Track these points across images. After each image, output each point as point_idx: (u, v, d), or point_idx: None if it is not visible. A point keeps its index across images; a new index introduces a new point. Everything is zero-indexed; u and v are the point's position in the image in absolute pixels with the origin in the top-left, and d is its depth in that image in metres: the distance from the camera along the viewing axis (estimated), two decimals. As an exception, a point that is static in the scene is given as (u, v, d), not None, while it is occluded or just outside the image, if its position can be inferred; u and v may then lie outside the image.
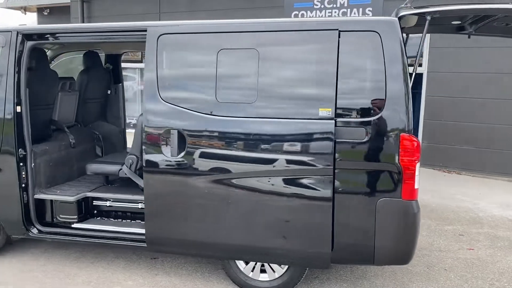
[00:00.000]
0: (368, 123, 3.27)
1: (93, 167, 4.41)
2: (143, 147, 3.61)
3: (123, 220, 4.28)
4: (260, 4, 9.80)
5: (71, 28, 3.98)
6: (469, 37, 4.39)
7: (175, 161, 3.54)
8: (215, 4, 10.36)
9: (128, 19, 11.35)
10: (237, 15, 9.22)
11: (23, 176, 4.08)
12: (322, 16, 8.82)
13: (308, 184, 3.32)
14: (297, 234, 3.39)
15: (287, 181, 3.36)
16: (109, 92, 5.56)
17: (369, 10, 8.70)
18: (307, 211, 3.34)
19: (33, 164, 4.15)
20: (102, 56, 5.57)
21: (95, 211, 4.35)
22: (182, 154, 3.52)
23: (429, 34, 7.73)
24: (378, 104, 3.26)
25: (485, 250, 4.77)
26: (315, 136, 3.28)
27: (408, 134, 3.23)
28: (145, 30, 3.63)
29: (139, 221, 4.23)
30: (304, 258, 3.47)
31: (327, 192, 3.28)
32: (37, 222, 4.19)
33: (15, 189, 4.07)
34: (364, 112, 3.30)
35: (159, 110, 3.57)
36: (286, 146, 3.35)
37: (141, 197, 4.13)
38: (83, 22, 12.16)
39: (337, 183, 3.29)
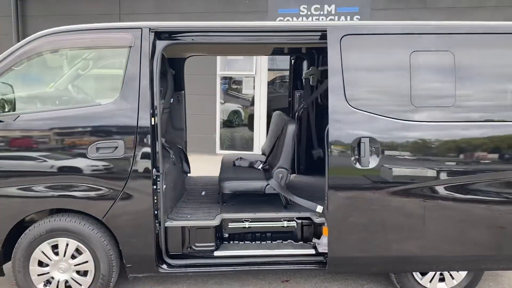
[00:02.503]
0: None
1: (233, 185, 3.87)
2: (329, 159, 3.26)
3: (262, 242, 3.81)
4: (241, 8, 9.52)
5: (224, 27, 3.43)
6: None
7: (367, 172, 3.27)
8: (186, 6, 9.79)
9: (77, 20, 10.14)
10: (213, 19, 8.83)
11: (155, 201, 3.41)
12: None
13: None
14: (505, 238, 3.36)
15: (497, 186, 3.31)
16: (171, 100, 4.91)
17: (356, 18, 9.00)
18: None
19: (164, 186, 3.50)
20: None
21: (226, 235, 3.81)
22: (375, 163, 3.26)
23: None
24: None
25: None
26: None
27: None
28: (324, 31, 3.30)
29: (280, 241, 3.81)
30: (504, 261, 3.45)
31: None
32: (166, 255, 3.54)
33: (148, 218, 3.39)
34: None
35: (347, 117, 3.27)
36: (492, 149, 3.31)
37: (286, 215, 3.78)
38: (17, 22, 10.58)
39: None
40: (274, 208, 3.91)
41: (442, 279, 3.64)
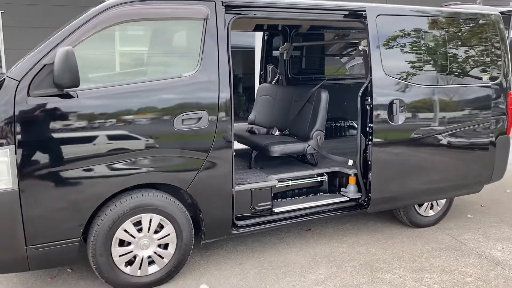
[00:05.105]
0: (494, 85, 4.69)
1: (279, 148, 4.21)
2: (374, 119, 3.95)
3: (301, 197, 4.32)
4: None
5: (284, 3, 3.70)
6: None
7: (398, 127, 4.07)
8: None
9: None
10: None
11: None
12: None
13: (481, 131, 4.52)
14: (472, 170, 4.57)
15: (467, 132, 4.46)
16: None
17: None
18: (480, 152, 4.56)
19: (234, 153, 3.71)
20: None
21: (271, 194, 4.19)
22: (403, 120, 4.08)
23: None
24: (496, 74, 4.72)
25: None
26: (484, 94, 4.50)
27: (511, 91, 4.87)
28: (364, 11, 3.94)
29: (312, 194, 4.40)
30: (473, 187, 4.67)
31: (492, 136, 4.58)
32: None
33: (228, 184, 3.60)
34: (492, 78, 4.70)
35: (384, 83, 4.00)
36: (466, 104, 4.44)
37: (318, 171, 4.40)
38: None
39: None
40: (301, 167, 4.44)
41: (431, 207, 4.74)
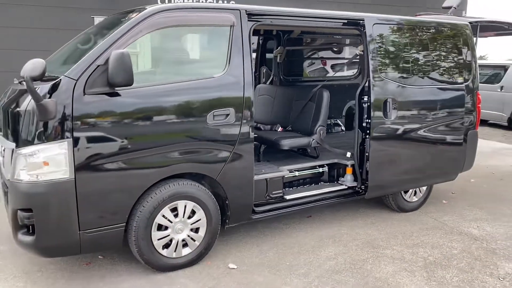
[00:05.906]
0: (466, 86, 5.40)
1: (289, 142, 4.66)
2: (371, 115, 4.50)
3: (305, 186, 4.80)
4: None
5: (296, 12, 4.16)
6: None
7: (390, 122, 4.64)
8: None
9: None
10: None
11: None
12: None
13: (457, 126, 5.19)
14: (449, 160, 5.23)
15: (446, 127, 5.11)
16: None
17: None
18: (456, 144, 5.23)
19: (253, 146, 4.13)
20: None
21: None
22: (395, 116, 4.66)
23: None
24: (467, 77, 5.43)
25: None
26: (458, 94, 5.18)
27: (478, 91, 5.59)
28: (362, 20, 4.48)
29: (313, 184, 4.89)
30: (449, 175, 5.34)
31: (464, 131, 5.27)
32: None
33: (250, 174, 4.02)
34: (464, 80, 5.40)
35: (380, 84, 4.56)
36: (445, 103, 5.09)
37: (320, 162, 4.91)
38: None
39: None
40: (304, 160, 4.93)
41: (414, 194, 5.37)
